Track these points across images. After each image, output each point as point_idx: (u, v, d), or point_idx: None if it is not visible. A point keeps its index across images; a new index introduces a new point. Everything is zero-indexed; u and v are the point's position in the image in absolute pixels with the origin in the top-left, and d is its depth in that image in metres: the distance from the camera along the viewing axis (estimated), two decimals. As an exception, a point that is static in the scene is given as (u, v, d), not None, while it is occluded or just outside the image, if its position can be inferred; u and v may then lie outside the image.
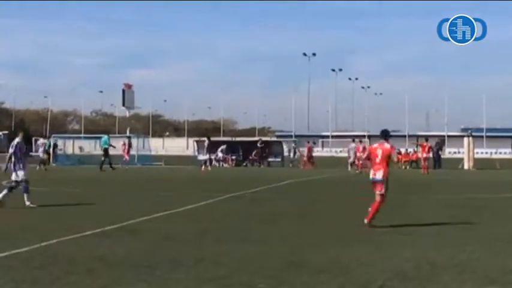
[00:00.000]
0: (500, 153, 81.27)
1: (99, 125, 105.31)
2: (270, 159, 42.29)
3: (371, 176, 11.02)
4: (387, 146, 11.00)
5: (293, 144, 44.37)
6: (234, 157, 41.91)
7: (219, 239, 9.47)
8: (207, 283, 6.57)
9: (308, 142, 41.93)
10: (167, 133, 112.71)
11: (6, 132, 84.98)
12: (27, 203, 13.65)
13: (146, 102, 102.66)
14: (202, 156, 37.22)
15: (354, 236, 9.92)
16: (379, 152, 10.90)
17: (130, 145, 36.89)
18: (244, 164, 41.75)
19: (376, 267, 7.33)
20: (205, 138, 37.61)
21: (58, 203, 14.62)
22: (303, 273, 7.04)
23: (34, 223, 11.36)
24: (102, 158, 32.77)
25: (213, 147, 37.44)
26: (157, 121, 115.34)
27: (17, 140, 14.38)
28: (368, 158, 11.39)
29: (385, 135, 11.33)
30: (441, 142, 45.43)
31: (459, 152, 44.51)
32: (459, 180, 27.14)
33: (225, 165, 40.97)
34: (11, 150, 14.15)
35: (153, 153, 49.23)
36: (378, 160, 10.90)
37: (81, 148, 63.67)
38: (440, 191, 19.95)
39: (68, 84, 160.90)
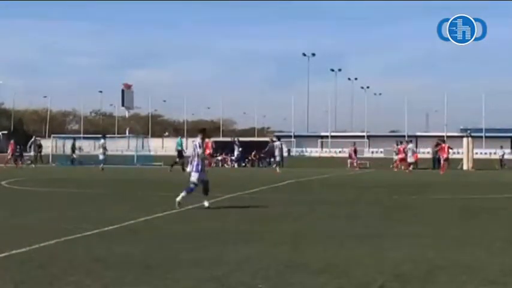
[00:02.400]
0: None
1: (99, 125, 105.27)
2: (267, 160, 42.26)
3: None
4: None
5: (410, 145, 38.25)
6: (233, 157, 41.92)
7: (219, 239, 9.47)
8: (207, 283, 6.56)
9: (444, 141, 37.92)
10: (166, 133, 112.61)
11: (6, 132, 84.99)
12: (177, 206, 13.37)
13: (145, 103, 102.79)
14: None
15: (354, 236, 9.91)
16: None
17: (212, 147, 37.49)
18: (243, 164, 41.75)
19: (376, 268, 7.33)
20: (275, 139, 39.08)
21: (58, 203, 14.61)
22: (303, 273, 7.04)
23: (33, 223, 11.36)
24: (177, 160, 32.89)
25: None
26: (157, 121, 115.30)
27: (199, 140, 14.20)
28: None
29: None
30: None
31: (458, 153, 44.37)
32: (458, 180, 27.12)
33: (225, 165, 40.96)
34: (195, 151, 13.95)
35: (152, 153, 49.21)
36: None
37: (80, 148, 63.51)
38: (440, 192, 19.94)
39: (67, 84, 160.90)
